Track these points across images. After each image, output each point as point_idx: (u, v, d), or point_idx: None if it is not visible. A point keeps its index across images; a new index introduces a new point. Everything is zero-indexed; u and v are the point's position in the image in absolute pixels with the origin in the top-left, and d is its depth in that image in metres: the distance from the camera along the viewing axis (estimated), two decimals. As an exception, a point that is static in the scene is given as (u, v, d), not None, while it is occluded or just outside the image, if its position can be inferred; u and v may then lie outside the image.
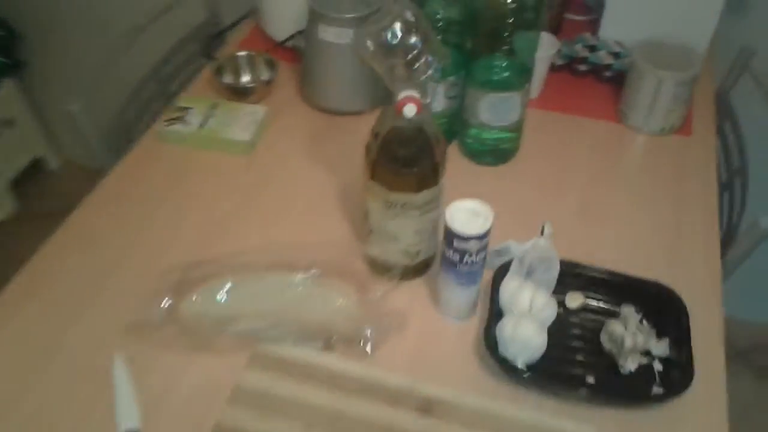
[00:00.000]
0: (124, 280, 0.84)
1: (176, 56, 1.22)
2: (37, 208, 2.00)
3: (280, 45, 1.17)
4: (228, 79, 1.11)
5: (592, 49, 1.13)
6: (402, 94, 0.69)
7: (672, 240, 0.89)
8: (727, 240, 0.93)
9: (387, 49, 0.67)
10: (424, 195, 0.76)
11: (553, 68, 1.13)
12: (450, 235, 0.73)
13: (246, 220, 0.92)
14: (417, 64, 0.67)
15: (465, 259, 0.73)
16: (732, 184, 1.02)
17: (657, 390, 0.73)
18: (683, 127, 1.05)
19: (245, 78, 1.13)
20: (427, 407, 0.71)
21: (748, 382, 1.65)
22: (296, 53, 1.14)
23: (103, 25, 1.62)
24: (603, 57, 1.12)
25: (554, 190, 0.96)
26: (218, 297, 0.77)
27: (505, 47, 0.89)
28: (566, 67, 1.15)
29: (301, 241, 0.82)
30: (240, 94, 1.09)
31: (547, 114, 1.08)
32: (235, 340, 0.76)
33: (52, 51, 1.86)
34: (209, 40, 1.22)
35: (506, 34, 0.88)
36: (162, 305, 0.75)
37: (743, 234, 0.87)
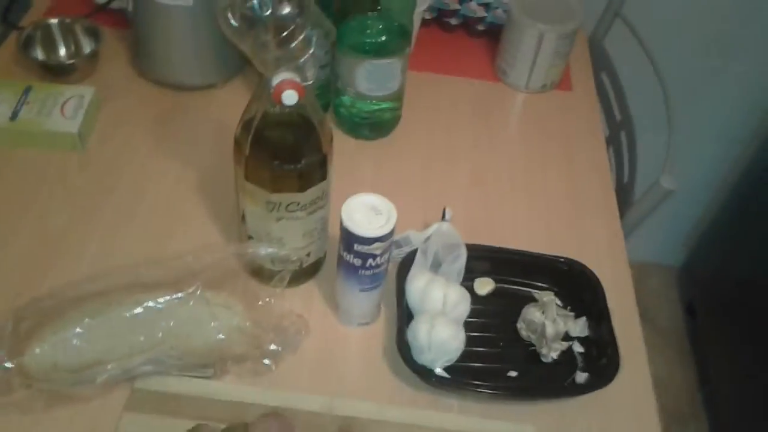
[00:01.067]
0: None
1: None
2: None
3: (103, 7, 0.96)
4: (40, 54, 0.90)
5: (462, 1, 1.05)
6: (277, 78, 0.56)
7: (568, 208, 0.85)
8: (624, 199, 0.90)
9: (255, 24, 0.53)
10: (312, 192, 0.64)
11: (423, 22, 1.03)
12: (349, 238, 0.62)
13: (86, 234, 0.74)
14: (294, 42, 0.54)
15: (368, 263, 0.63)
16: (618, 138, 0.99)
17: (581, 375, 0.68)
18: (562, 82, 1.00)
19: (62, 52, 0.92)
20: (348, 429, 0.62)
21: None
22: (121, 17, 0.94)
23: None
24: (474, 8, 1.04)
25: (442, 163, 0.88)
26: (71, 340, 0.60)
27: (378, 6, 0.78)
28: (435, 21, 1.06)
29: (162, 255, 0.67)
30: (58, 72, 0.88)
31: (421, 75, 0.98)
32: (101, 388, 0.61)
33: None
34: (7, 3, 0.98)
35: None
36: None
37: (643, 195, 0.84)
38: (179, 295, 0.62)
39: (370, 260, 0.63)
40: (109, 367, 0.60)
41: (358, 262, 0.63)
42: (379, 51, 0.80)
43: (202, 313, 0.63)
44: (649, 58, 0.98)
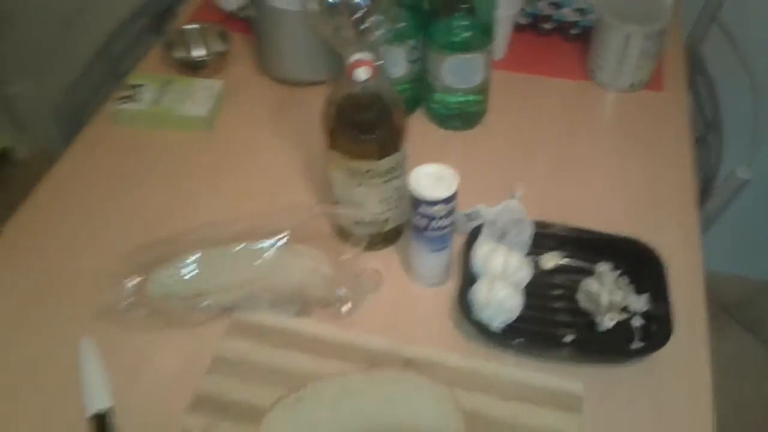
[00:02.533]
0: (85, 265, 0.80)
1: (125, 34, 1.17)
2: (2, 198, 1.93)
3: (233, 16, 1.12)
4: (179, 53, 1.07)
5: (557, 6, 1.10)
6: (353, 58, 0.65)
7: (647, 196, 0.87)
8: (704, 193, 0.91)
9: (331, 9, 0.63)
10: (387, 162, 0.73)
11: (518, 28, 1.10)
12: (416, 201, 0.70)
13: (210, 198, 0.88)
14: (365, 24, 0.63)
15: (432, 224, 0.71)
16: (707, 137, 1.00)
17: (636, 345, 0.71)
18: (653, 83, 1.02)
19: (198, 52, 1.08)
20: (407, 368, 0.69)
21: (736, 336, 1.65)
22: (250, 23, 1.09)
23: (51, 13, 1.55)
24: (568, 14, 1.09)
25: (524, 152, 0.94)
26: (186, 273, 0.73)
27: (465, 6, 0.86)
28: (531, 26, 1.12)
29: (268, 210, 0.78)
30: (193, 68, 1.04)
31: (514, 75, 1.05)
32: (207, 317, 0.73)
33: (16, 34, 1.78)
34: (159, 15, 1.16)
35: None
36: (127, 287, 0.71)
37: (720, 186, 0.85)
38: (272, 241, 0.73)
39: (434, 222, 0.70)
40: (212, 298, 0.73)
41: (423, 223, 0.71)
42: (463, 47, 0.88)
43: (290, 259, 0.74)
44: (743, 64, 0.99)
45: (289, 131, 0.97)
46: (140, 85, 0.99)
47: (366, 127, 0.71)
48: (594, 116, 1.00)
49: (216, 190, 0.89)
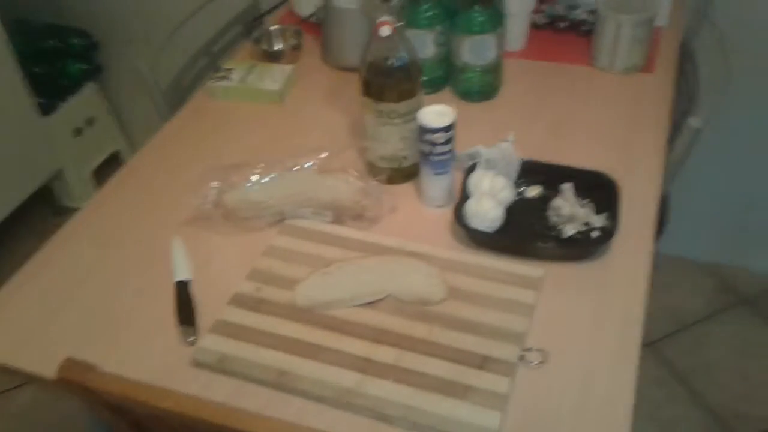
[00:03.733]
0: (180, 188, 1.07)
1: (224, 37, 1.48)
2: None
3: (305, 20, 1.40)
4: (263, 46, 1.35)
5: (571, 8, 1.32)
6: (379, 19, 0.90)
7: (622, 147, 1.06)
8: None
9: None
10: (405, 105, 0.96)
11: (538, 27, 1.32)
12: (422, 130, 0.93)
13: (274, 150, 1.14)
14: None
15: (435, 150, 0.93)
16: (687, 112, 1.18)
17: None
18: (647, 67, 1.21)
19: (277, 45, 1.37)
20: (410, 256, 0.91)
21: (758, 328, 1.75)
22: (318, 27, 1.37)
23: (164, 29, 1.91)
24: (580, 14, 1.30)
25: (529, 117, 1.15)
26: (252, 187, 0.98)
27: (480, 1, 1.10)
28: (549, 25, 1.34)
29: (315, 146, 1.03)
30: (273, 57, 1.33)
31: (529, 62, 1.27)
32: (266, 223, 0.98)
33: (125, 56, 2.17)
34: (251, 23, 1.46)
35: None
36: (209, 192, 0.97)
37: (680, 138, 1.02)
38: (314, 161, 0.98)
39: (436, 147, 0.93)
40: (270, 206, 0.97)
41: (427, 148, 0.93)
42: (479, 29, 1.11)
43: (328, 179, 0.98)
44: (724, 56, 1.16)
45: (340, 105, 1.22)
46: (231, 69, 1.28)
47: (389, 75, 0.95)
48: (591, 93, 1.20)
49: (281, 143, 1.15)
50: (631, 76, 1.21)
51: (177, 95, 1.38)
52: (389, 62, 0.94)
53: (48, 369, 0.79)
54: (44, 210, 2.23)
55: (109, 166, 2.35)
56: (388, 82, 0.95)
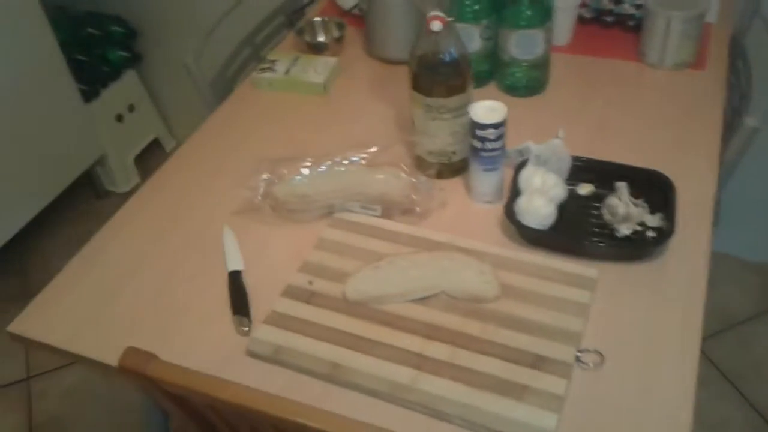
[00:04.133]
0: (229, 178, 1.08)
1: (267, 28, 1.48)
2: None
3: (348, 12, 1.40)
4: (307, 38, 1.36)
5: (617, 2, 1.30)
6: (430, 13, 0.90)
7: (676, 146, 1.05)
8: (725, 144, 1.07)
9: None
10: (455, 100, 0.96)
11: (584, 21, 1.31)
12: (473, 126, 0.92)
13: (318, 141, 1.14)
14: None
15: (486, 146, 0.93)
16: (740, 110, 1.16)
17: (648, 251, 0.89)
18: (697, 63, 1.19)
19: (321, 38, 1.37)
20: (461, 252, 0.91)
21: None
22: (361, 19, 1.37)
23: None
24: (627, 8, 1.29)
25: (577, 113, 1.14)
26: (302, 179, 0.99)
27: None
28: (595, 20, 1.32)
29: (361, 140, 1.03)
30: (317, 49, 1.33)
31: (576, 57, 1.26)
32: (314, 216, 0.98)
33: (163, 44, 2.19)
34: (293, 14, 1.47)
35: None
36: (260, 182, 0.98)
37: (736, 137, 1.01)
38: (358, 158, 0.98)
39: (487, 143, 0.92)
40: (320, 198, 0.98)
41: (478, 144, 0.93)
42: (527, 24, 1.10)
43: (378, 173, 0.99)
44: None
45: (386, 97, 1.22)
46: (276, 60, 1.29)
47: (439, 70, 0.94)
48: (640, 89, 1.18)
49: (326, 135, 1.15)
50: (681, 72, 1.19)
51: (221, 85, 1.39)
52: (439, 57, 0.94)
53: (106, 355, 0.81)
54: (88, 192, 2.28)
55: (151, 152, 2.38)
56: (438, 77, 0.95)
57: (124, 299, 0.91)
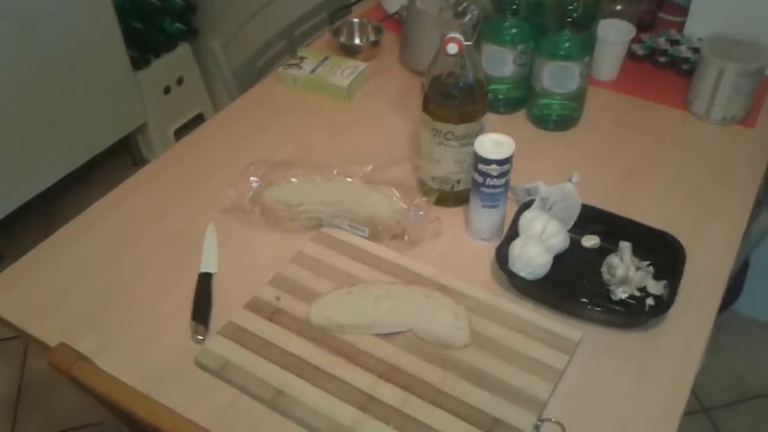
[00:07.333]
0: (226, 174, 1.05)
1: (307, 23, 1.44)
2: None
3: (390, 17, 1.35)
4: (342, 39, 1.31)
5: (674, 43, 1.20)
6: (447, 35, 0.84)
7: (704, 206, 0.96)
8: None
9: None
10: (463, 128, 0.89)
11: (635, 58, 1.22)
12: (477, 159, 0.86)
13: (332, 146, 1.10)
14: (460, 9, 0.82)
15: (487, 182, 0.86)
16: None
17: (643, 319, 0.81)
18: (747, 120, 1.09)
19: (356, 40, 1.33)
20: (440, 290, 0.85)
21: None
22: (401, 25, 1.32)
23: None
24: (683, 51, 1.19)
25: (605, 156, 1.06)
26: (292, 187, 0.95)
27: (571, 22, 1.01)
28: (648, 57, 1.23)
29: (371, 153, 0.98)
30: (350, 51, 1.28)
31: (619, 95, 1.17)
32: (301, 225, 0.94)
33: (221, 21, 2.19)
34: (336, 12, 1.43)
35: (574, 14, 1.00)
36: (250, 185, 0.95)
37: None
38: (360, 172, 0.93)
39: (489, 179, 0.86)
40: (307, 209, 0.94)
41: (480, 179, 0.87)
42: (564, 56, 1.03)
43: (371, 192, 0.94)
44: None
45: (408, 112, 1.17)
46: (305, 57, 1.25)
47: (450, 95, 0.88)
48: (678, 140, 1.09)
49: (337, 144, 1.11)
50: (728, 127, 1.09)
51: (248, 75, 1.36)
52: (452, 81, 0.88)
53: (54, 339, 0.79)
54: (125, 158, 2.31)
55: (193, 126, 2.39)
56: (449, 102, 0.89)
57: (92, 286, 0.89)
